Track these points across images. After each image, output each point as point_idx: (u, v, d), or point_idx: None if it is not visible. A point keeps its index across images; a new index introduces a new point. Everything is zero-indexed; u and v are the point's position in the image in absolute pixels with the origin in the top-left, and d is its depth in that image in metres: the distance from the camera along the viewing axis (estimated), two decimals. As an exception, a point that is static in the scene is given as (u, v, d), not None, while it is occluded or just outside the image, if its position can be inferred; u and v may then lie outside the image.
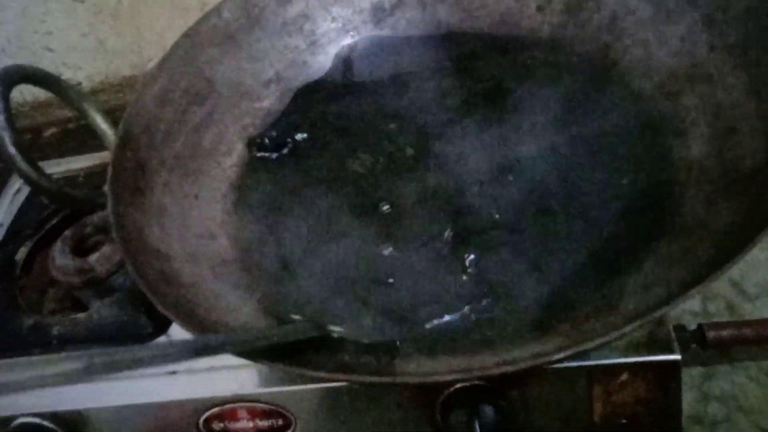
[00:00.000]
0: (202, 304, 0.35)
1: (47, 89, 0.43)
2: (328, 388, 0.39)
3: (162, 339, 0.32)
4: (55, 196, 0.39)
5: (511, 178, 0.40)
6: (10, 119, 0.35)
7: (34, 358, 0.22)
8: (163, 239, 0.38)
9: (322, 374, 0.28)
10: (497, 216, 0.38)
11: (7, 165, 0.36)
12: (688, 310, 0.45)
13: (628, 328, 0.27)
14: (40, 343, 0.46)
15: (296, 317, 0.34)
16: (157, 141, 0.43)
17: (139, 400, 0.42)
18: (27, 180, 0.37)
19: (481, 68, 0.47)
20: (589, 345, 0.28)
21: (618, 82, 0.43)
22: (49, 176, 0.39)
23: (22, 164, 0.36)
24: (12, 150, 0.36)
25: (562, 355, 0.26)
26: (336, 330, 0.32)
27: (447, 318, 0.35)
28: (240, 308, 0.36)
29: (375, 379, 0.28)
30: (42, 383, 0.23)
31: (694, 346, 0.40)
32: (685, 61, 0.42)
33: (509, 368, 0.26)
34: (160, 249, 0.37)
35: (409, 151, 0.45)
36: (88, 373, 0.24)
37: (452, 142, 0.44)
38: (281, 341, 0.30)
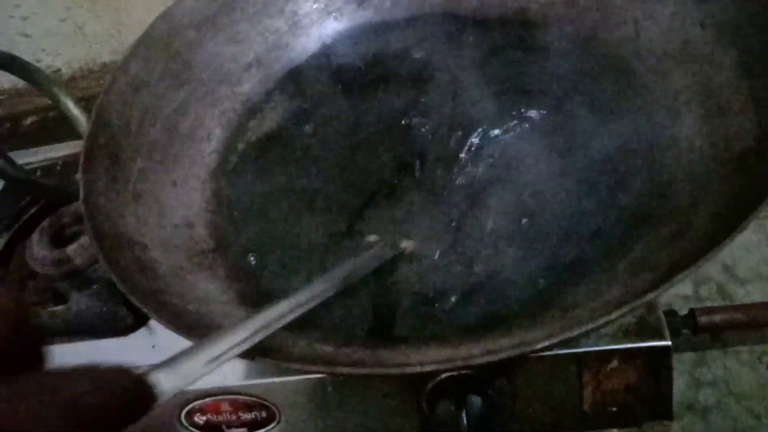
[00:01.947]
0: (178, 295, 0.33)
1: (17, 75, 0.41)
2: (312, 380, 0.39)
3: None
4: (24, 185, 0.37)
5: (496, 161, 0.39)
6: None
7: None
8: (139, 228, 0.37)
9: (302, 366, 0.27)
10: (483, 200, 0.37)
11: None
12: (680, 294, 0.44)
13: (615, 315, 0.26)
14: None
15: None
16: (133, 127, 0.41)
17: (119, 393, 0.41)
18: (-6, 169, 0.36)
19: (466, 49, 0.46)
20: (575, 332, 0.27)
21: (607, 62, 0.42)
22: (18, 165, 0.37)
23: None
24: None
25: (546, 343, 0.25)
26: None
27: (433, 307, 0.34)
28: (217, 298, 0.35)
29: (356, 370, 0.27)
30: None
31: (685, 331, 0.39)
32: (675, 39, 0.41)
33: (493, 357, 0.25)
34: (135, 238, 0.36)
35: (395, 139, 0.43)
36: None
37: (438, 127, 0.43)
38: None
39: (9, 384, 0.16)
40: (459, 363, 0.26)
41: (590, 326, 0.27)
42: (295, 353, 0.30)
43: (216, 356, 0.23)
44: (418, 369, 0.25)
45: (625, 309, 0.27)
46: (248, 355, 0.27)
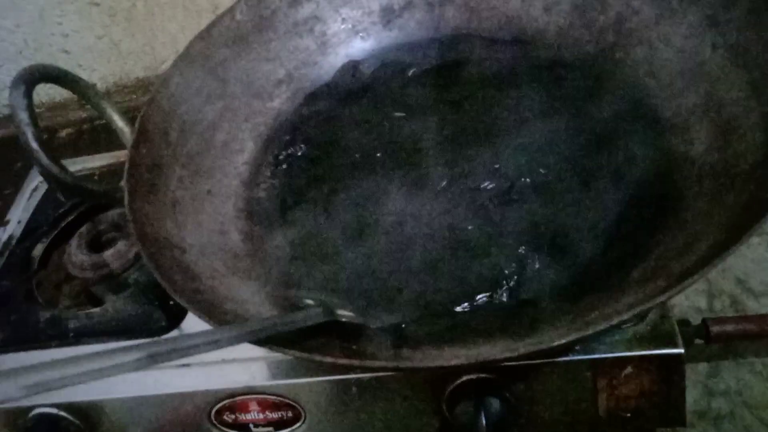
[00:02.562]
0: (215, 295, 0.35)
1: (67, 88, 0.44)
2: (337, 381, 0.40)
3: (208, 328, 0.32)
4: (75, 190, 0.40)
5: (517, 176, 0.41)
6: (33, 116, 0.37)
7: (93, 351, 0.23)
8: (177, 233, 0.39)
9: (330, 359, 0.28)
10: (503, 211, 0.39)
11: (30, 160, 0.37)
12: (694, 306, 0.45)
13: (626, 315, 0.27)
14: (57, 336, 0.47)
15: (309, 302, 0.35)
16: (172, 139, 0.44)
17: (153, 391, 0.43)
18: (48, 175, 0.38)
19: (487, 68, 0.48)
20: (589, 331, 0.28)
21: (623, 81, 0.44)
22: (69, 171, 0.40)
23: (44, 159, 0.37)
24: (34, 145, 0.37)
25: (562, 341, 0.27)
26: (346, 315, 0.33)
27: (454, 314, 0.36)
28: (251, 299, 0.37)
29: (381, 363, 0.29)
30: (103, 375, 0.24)
31: (698, 340, 0.40)
32: (688, 60, 0.43)
33: (510, 354, 0.26)
34: (174, 242, 0.38)
35: (418, 151, 0.45)
36: (149, 363, 0.25)
37: (459, 143, 0.45)
38: (296, 327, 0.31)
39: None
40: (480, 358, 0.27)
41: (604, 325, 0.28)
42: (320, 349, 0.32)
43: (33, 383, 0.22)
44: (442, 363, 0.27)
45: (636, 309, 0.28)
46: (280, 349, 0.29)
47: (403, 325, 0.34)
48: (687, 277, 0.29)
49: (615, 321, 0.27)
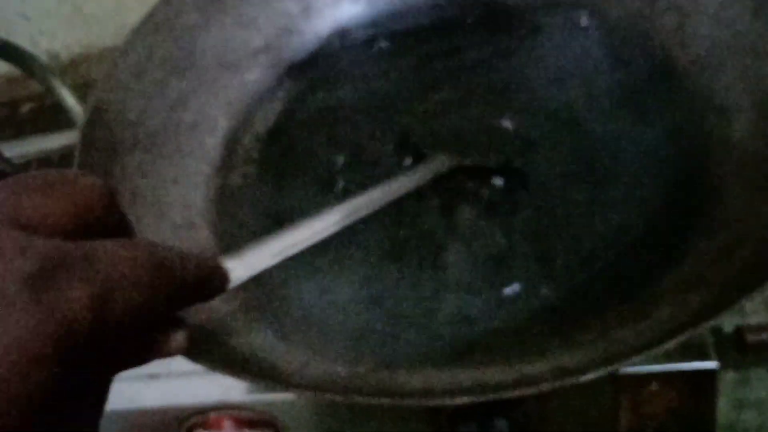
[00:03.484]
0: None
1: (9, 61, 0.38)
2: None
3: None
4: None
5: (531, 162, 0.35)
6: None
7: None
8: (136, 227, 0.33)
9: (316, 393, 0.24)
10: (518, 201, 0.34)
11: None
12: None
13: (668, 345, 0.22)
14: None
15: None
16: (131, 118, 0.38)
17: (117, 405, 0.38)
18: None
19: (497, 35, 0.42)
20: (622, 363, 0.24)
21: (650, 54, 0.38)
22: (7, 159, 0.35)
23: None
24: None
25: (591, 376, 0.22)
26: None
27: (457, 324, 0.31)
28: (221, 307, 0.32)
29: (373, 400, 0.24)
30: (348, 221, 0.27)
31: (732, 350, 0.36)
32: (724, 29, 0.37)
33: (530, 390, 0.22)
34: (131, 241, 0.33)
35: (413, 131, 0.40)
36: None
37: (459, 121, 0.39)
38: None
39: (113, 240, 0.17)
40: (491, 396, 0.23)
41: (638, 356, 0.24)
42: (307, 376, 0.27)
43: (281, 250, 0.24)
44: (446, 402, 0.22)
45: (678, 338, 0.24)
46: (257, 380, 0.24)
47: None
48: (739, 292, 0.24)
49: (652, 352, 0.22)
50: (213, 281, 0.21)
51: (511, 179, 0.35)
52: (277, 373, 0.27)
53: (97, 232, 0.18)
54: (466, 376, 0.28)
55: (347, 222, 0.27)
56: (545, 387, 0.22)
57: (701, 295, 0.28)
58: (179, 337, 0.20)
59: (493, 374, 0.27)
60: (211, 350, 0.26)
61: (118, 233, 0.19)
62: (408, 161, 0.38)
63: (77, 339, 0.15)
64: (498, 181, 0.35)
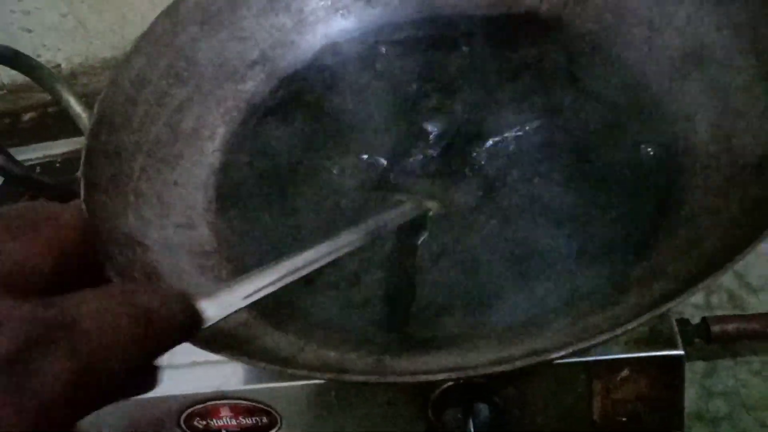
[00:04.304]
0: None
1: (18, 70, 0.40)
2: (315, 385, 0.38)
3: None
4: (24, 182, 0.36)
5: (509, 164, 0.38)
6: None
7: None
8: (140, 228, 0.36)
9: (309, 373, 0.26)
10: (495, 200, 0.36)
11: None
12: (690, 302, 0.43)
13: (632, 325, 0.25)
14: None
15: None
16: (134, 125, 0.40)
17: (117, 396, 0.40)
18: (-5, 166, 0.35)
19: (477, 49, 0.45)
20: (591, 342, 0.26)
21: (621, 64, 0.41)
22: (18, 162, 0.37)
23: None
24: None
25: (562, 353, 0.25)
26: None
27: (438, 314, 0.33)
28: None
29: (364, 378, 0.26)
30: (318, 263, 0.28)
31: (697, 340, 0.38)
32: (690, 42, 0.40)
33: (505, 367, 0.24)
34: (136, 238, 0.35)
35: (405, 138, 0.42)
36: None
37: (449, 127, 0.42)
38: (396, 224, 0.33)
39: (90, 290, 0.17)
40: (470, 372, 0.25)
41: (606, 336, 0.26)
42: (300, 359, 0.29)
43: (252, 292, 0.24)
44: (429, 378, 0.24)
45: (642, 318, 0.26)
46: (251, 362, 0.27)
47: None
48: (697, 282, 0.27)
49: (619, 332, 0.24)
50: (191, 326, 0.21)
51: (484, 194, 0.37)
52: (274, 357, 0.29)
53: (76, 268, 0.18)
54: (448, 360, 0.30)
55: (316, 265, 0.27)
56: (519, 364, 0.24)
57: (664, 285, 0.31)
58: (150, 380, 0.22)
59: (473, 358, 0.30)
60: (213, 338, 0.28)
61: (93, 267, 0.20)
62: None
63: (55, 419, 0.15)
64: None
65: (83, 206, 0.33)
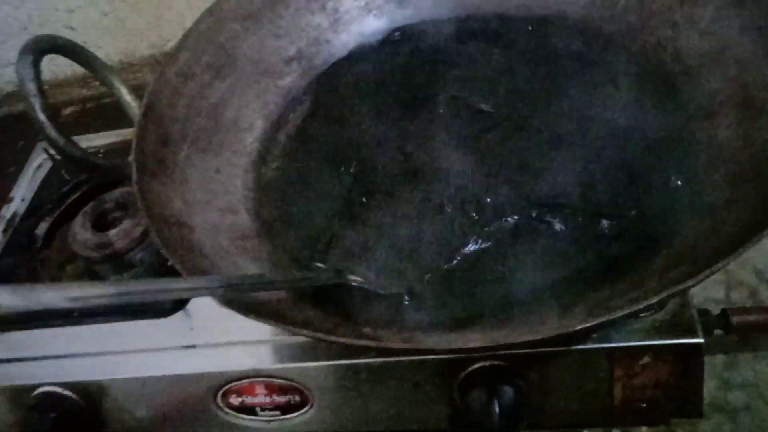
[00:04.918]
0: (223, 275, 0.34)
1: (74, 60, 0.43)
2: (346, 365, 0.39)
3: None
4: (82, 164, 0.39)
5: (537, 156, 0.40)
6: (41, 87, 0.35)
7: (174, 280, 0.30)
8: (185, 211, 0.38)
9: (343, 340, 0.27)
10: (524, 190, 0.38)
11: (37, 133, 0.36)
12: (711, 298, 0.44)
13: (651, 300, 0.26)
14: (60, 315, 0.46)
15: (320, 265, 0.35)
16: (180, 115, 0.43)
17: (157, 372, 0.42)
18: (55, 147, 0.37)
19: (506, 50, 0.47)
20: (613, 315, 0.27)
21: (646, 64, 0.42)
22: (77, 144, 0.39)
23: (52, 131, 0.36)
24: (42, 116, 0.36)
25: (586, 324, 0.26)
26: (356, 280, 0.33)
27: (465, 298, 0.35)
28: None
29: (396, 345, 0.28)
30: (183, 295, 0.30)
31: (717, 331, 0.39)
32: (713, 42, 0.41)
33: (532, 336, 0.25)
34: (182, 220, 0.37)
35: (436, 133, 0.44)
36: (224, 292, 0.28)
37: (477, 127, 0.43)
38: (309, 285, 0.32)
39: None
40: (500, 341, 0.26)
41: (627, 310, 0.27)
42: (337, 332, 0.31)
43: (75, 296, 0.24)
44: (460, 345, 0.26)
45: (661, 295, 0.27)
46: (294, 330, 0.28)
47: (413, 294, 0.33)
48: (712, 264, 0.28)
49: (636, 307, 0.26)
50: None
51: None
52: (316, 328, 0.31)
53: None
54: (476, 337, 0.32)
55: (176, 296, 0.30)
56: (547, 333, 0.26)
57: (687, 268, 0.32)
58: None
59: (501, 336, 0.31)
60: (254, 307, 0.30)
61: None
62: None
63: None
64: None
65: (135, 188, 0.36)
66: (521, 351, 0.36)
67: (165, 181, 0.38)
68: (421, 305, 0.34)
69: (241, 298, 0.31)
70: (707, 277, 0.27)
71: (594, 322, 0.26)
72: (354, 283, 0.33)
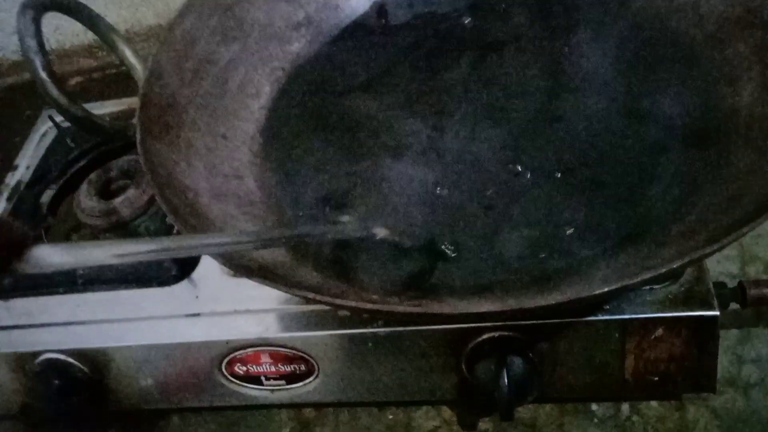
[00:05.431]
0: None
1: (76, 18, 0.42)
2: (352, 335, 0.39)
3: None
4: (85, 124, 0.38)
5: (554, 123, 0.38)
6: (42, 45, 0.34)
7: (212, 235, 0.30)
8: (191, 175, 0.37)
9: (353, 303, 0.27)
10: (541, 157, 0.37)
11: (40, 96, 0.35)
12: (726, 272, 0.43)
13: (664, 268, 0.25)
14: (66, 282, 0.46)
15: (345, 218, 0.35)
16: (186, 78, 0.42)
17: (162, 340, 0.42)
18: (57, 106, 0.36)
19: (519, 15, 0.45)
20: (629, 282, 0.26)
21: (667, 29, 0.41)
22: (79, 103, 0.38)
23: (53, 90, 0.35)
24: (43, 75, 0.35)
25: (598, 291, 0.25)
26: (381, 232, 0.33)
27: (477, 264, 0.34)
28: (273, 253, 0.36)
29: (405, 308, 0.27)
30: (220, 251, 0.28)
31: (733, 304, 0.38)
32: (736, 6, 0.40)
33: (550, 300, 0.25)
34: (188, 185, 0.36)
35: (449, 98, 0.43)
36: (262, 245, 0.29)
37: (491, 91, 0.42)
38: (334, 238, 0.32)
39: None
40: (513, 305, 0.26)
41: (641, 277, 0.26)
42: (342, 295, 0.30)
43: (120, 253, 0.24)
44: (472, 309, 0.25)
45: (681, 261, 0.26)
46: (302, 293, 0.27)
47: (439, 245, 0.33)
48: (729, 233, 0.27)
49: (653, 273, 0.25)
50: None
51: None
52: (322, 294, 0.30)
53: None
54: (488, 305, 0.31)
55: (221, 250, 0.28)
56: (560, 298, 0.25)
57: (704, 238, 0.31)
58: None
59: (514, 303, 0.30)
60: (270, 275, 0.30)
61: None
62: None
63: None
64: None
65: (139, 148, 0.35)
66: (531, 322, 0.35)
67: (170, 145, 0.38)
68: (433, 266, 0.33)
69: (247, 264, 0.30)
70: (726, 245, 0.27)
71: (608, 288, 0.25)
72: (380, 236, 0.33)
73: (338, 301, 0.26)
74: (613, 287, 0.25)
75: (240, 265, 0.28)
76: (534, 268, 0.33)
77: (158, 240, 0.27)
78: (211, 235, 0.28)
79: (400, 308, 0.26)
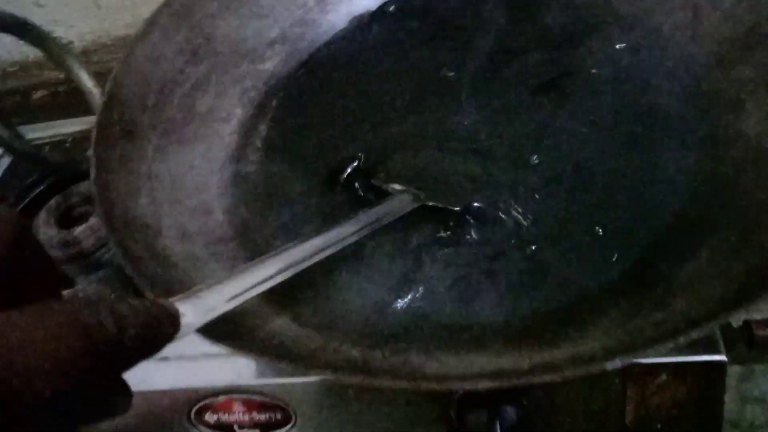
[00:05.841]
0: (193, 286, 0.30)
1: (30, 42, 0.38)
2: (331, 382, 0.36)
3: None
4: (30, 159, 0.34)
5: (548, 153, 0.36)
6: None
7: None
8: (153, 212, 0.34)
9: (335, 376, 0.24)
10: (533, 189, 0.34)
11: None
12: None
13: (694, 334, 0.23)
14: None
15: (397, 187, 0.34)
16: (149, 103, 0.38)
17: (127, 387, 0.38)
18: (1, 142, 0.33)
19: (513, 33, 0.43)
20: (639, 354, 0.24)
21: (664, 49, 0.39)
22: (25, 140, 0.35)
23: (-9, 122, 0.32)
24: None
25: (618, 364, 0.22)
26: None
27: (470, 310, 0.31)
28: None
29: (389, 383, 0.24)
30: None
31: (739, 344, 0.36)
32: (740, 25, 0.37)
33: (550, 377, 0.22)
34: (148, 222, 0.33)
35: (434, 112, 0.40)
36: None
37: (483, 106, 0.39)
38: (393, 216, 0.31)
39: (25, 309, 0.16)
40: (513, 381, 0.23)
41: (656, 347, 0.24)
42: (323, 359, 0.27)
43: (238, 293, 0.23)
44: (465, 385, 0.22)
45: (698, 330, 0.24)
46: (275, 361, 0.25)
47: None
48: (753, 289, 0.24)
49: (675, 342, 0.22)
50: (160, 332, 0.19)
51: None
52: (294, 355, 0.27)
53: (11, 265, 0.17)
54: (481, 362, 0.28)
55: (309, 262, 0.27)
56: (567, 374, 0.22)
57: (719, 288, 0.28)
58: (122, 403, 0.20)
59: (509, 361, 0.28)
60: (230, 332, 0.26)
61: (35, 265, 0.19)
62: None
63: None
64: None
65: (93, 187, 0.32)
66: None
67: (129, 178, 0.34)
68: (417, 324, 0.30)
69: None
70: (746, 308, 0.24)
71: (624, 362, 0.22)
72: (431, 203, 0.33)
73: (312, 371, 0.23)
74: (616, 365, 0.22)
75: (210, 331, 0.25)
76: (531, 320, 0.30)
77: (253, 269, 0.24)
78: (278, 252, 0.26)
79: (386, 383, 0.23)
